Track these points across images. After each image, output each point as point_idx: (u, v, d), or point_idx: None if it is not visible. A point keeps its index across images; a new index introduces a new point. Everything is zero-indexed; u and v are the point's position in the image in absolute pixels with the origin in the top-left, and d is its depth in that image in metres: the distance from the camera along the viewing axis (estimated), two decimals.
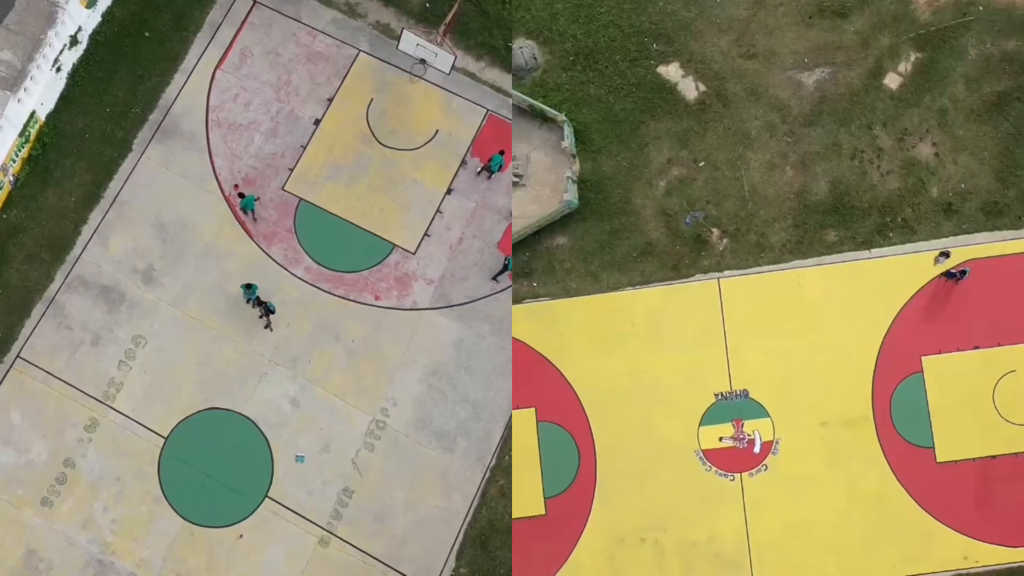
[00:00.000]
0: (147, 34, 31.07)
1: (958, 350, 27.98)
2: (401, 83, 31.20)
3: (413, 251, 29.94)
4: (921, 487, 27.33)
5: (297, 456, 28.06)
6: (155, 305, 29.02)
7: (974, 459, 27.41)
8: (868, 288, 28.50)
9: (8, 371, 28.37)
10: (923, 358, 27.96)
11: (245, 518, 27.56)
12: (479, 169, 30.51)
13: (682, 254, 29.21)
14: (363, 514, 27.72)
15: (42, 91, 29.43)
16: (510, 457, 28.13)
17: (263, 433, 28.16)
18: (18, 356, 28.48)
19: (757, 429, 27.97)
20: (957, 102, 29.72)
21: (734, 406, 28.14)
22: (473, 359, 29.03)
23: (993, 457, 27.40)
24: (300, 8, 31.62)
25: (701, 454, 27.95)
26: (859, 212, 29.10)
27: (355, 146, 30.66)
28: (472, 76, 31.21)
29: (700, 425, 28.06)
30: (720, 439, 27.96)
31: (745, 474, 27.77)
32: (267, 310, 28.17)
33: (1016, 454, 27.40)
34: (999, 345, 27.95)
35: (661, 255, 29.23)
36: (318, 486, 27.86)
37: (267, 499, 27.69)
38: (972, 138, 29.46)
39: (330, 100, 30.98)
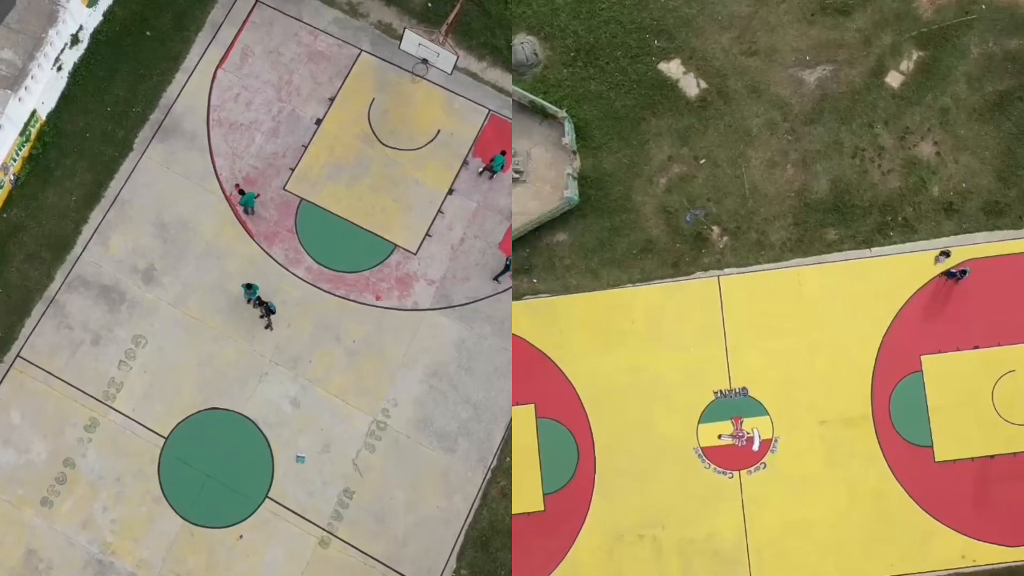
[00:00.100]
0: (148, 33, 31.04)
1: (958, 350, 27.99)
2: (403, 83, 31.16)
3: (414, 251, 29.89)
4: (920, 486, 27.35)
5: (297, 456, 28.00)
6: (155, 305, 28.97)
7: (972, 459, 27.43)
8: (868, 287, 28.50)
9: (8, 371, 28.32)
10: (923, 357, 27.97)
11: (245, 518, 27.51)
12: (481, 169, 30.46)
13: (682, 252, 29.18)
14: (364, 515, 27.66)
15: (43, 90, 29.40)
16: (511, 458, 28.07)
17: (263, 433, 28.11)
18: (18, 356, 28.44)
19: (756, 427, 27.98)
20: (959, 101, 29.69)
21: (733, 404, 28.14)
22: (474, 360, 28.97)
23: (991, 457, 27.42)
24: (302, 7, 31.58)
25: (700, 451, 27.97)
26: (860, 211, 29.07)
27: (356, 146, 30.62)
28: (474, 76, 31.17)
29: (699, 423, 28.08)
30: (719, 437, 27.97)
31: (744, 472, 27.78)
32: (268, 310, 28.12)
33: (1015, 454, 27.41)
34: (999, 345, 27.96)
35: (661, 252, 29.20)
36: (318, 487, 27.80)
37: (267, 499, 27.63)
38: (973, 137, 29.43)
39: (332, 100, 30.94)
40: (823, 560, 27.19)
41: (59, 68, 29.80)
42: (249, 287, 28.18)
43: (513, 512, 27.70)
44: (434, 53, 30.06)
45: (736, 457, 27.86)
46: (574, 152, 29.58)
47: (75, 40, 30.00)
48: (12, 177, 29.40)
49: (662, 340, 28.60)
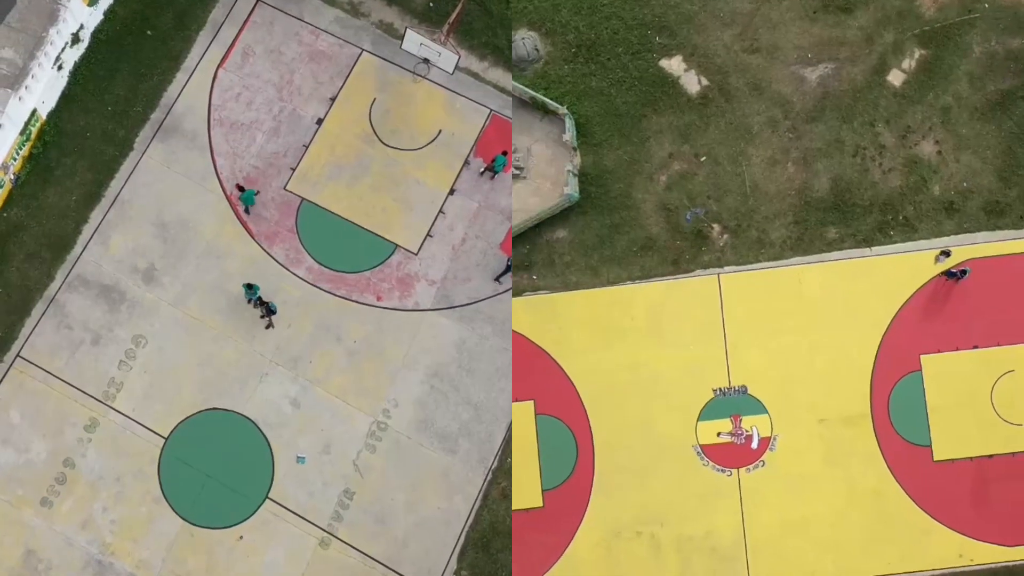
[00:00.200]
0: (149, 32, 30.99)
1: (957, 349, 28.00)
2: (404, 83, 31.10)
3: (415, 251, 29.83)
4: (918, 485, 27.37)
5: (298, 457, 27.95)
6: (156, 305, 28.92)
7: (971, 458, 27.46)
8: (868, 286, 28.49)
9: (8, 370, 28.26)
10: (922, 357, 27.97)
11: (245, 519, 27.45)
12: (482, 169, 30.40)
13: (682, 249, 29.15)
14: (364, 516, 27.60)
15: (43, 89, 29.35)
16: (511, 457, 28.01)
17: (264, 434, 28.05)
18: (18, 355, 28.38)
19: (755, 425, 27.98)
20: (961, 100, 29.65)
21: (732, 402, 28.13)
22: (475, 360, 28.91)
23: (990, 456, 27.43)
24: (303, 7, 31.54)
25: (699, 449, 27.97)
26: (860, 209, 29.04)
27: (357, 146, 30.56)
28: (475, 76, 31.11)
29: (698, 420, 28.10)
30: (718, 434, 27.99)
31: (742, 470, 27.79)
32: (268, 310, 28.06)
33: (1013, 454, 27.42)
34: (998, 345, 27.96)
35: (661, 250, 29.18)
36: (319, 487, 27.74)
37: (267, 500, 27.57)
38: (975, 137, 29.40)
39: (333, 99, 30.89)
40: (821, 558, 27.22)
41: (60, 67, 29.75)
42: (250, 287, 28.12)
43: (513, 508, 27.66)
44: (436, 53, 30.00)
45: (735, 455, 27.87)
46: (575, 149, 29.54)
47: (76, 39, 29.95)
48: (12, 176, 29.35)
49: (662, 337, 28.60)
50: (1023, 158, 29.17)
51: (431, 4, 31.52)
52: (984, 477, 27.33)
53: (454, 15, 30.64)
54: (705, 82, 30.22)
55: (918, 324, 28.19)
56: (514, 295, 29.16)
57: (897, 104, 29.74)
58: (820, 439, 27.78)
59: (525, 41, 30.51)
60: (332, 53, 31.27)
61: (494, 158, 29.69)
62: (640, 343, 28.59)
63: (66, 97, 30.24)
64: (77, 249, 29.27)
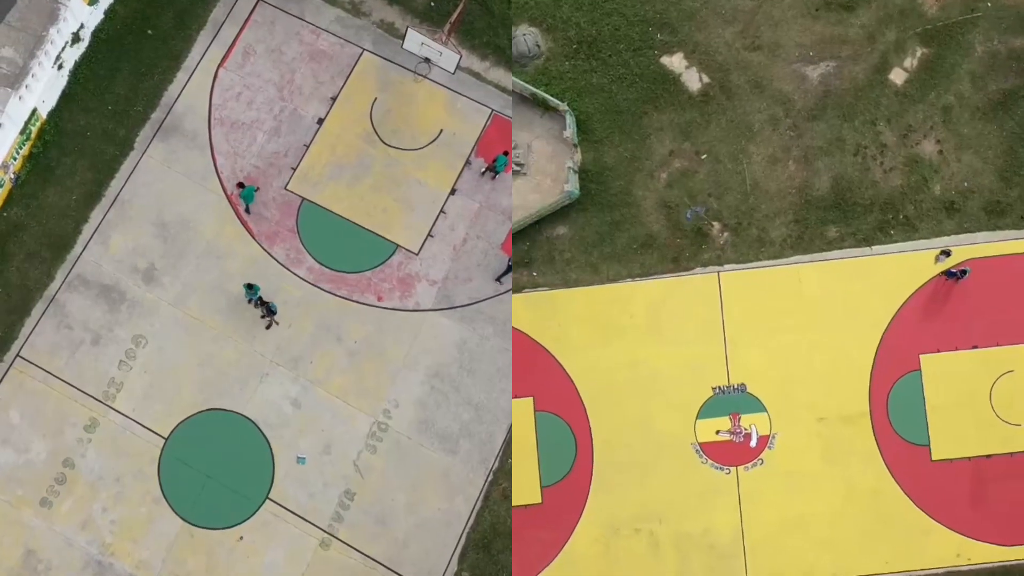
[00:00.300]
0: (150, 32, 30.95)
1: (956, 349, 27.99)
2: (405, 82, 31.05)
3: (416, 252, 29.77)
4: (916, 485, 27.38)
5: (298, 458, 27.89)
6: (156, 305, 28.86)
7: (969, 458, 27.46)
8: (868, 285, 28.47)
9: (8, 370, 28.21)
10: (921, 356, 27.96)
11: (245, 520, 27.39)
12: (483, 169, 30.35)
13: (682, 247, 29.11)
14: (364, 516, 27.54)
15: (44, 88, 29.30)
16: (511, 454, 27.99)
17: (264, 434, 27.99)
18: (18, 355, 28.33)
19: (754, 423, 27.97)
20: (962, 99, 29.60)
21: (731, 400, 28.12)
22: (476, 361, 28.85)
23: (988, 456, 27.42)
24: (304, 6, 31.49)
25: (697, 447, 27.97)
26: (861, 208, 29.00)
27: (358, 145, 30.51)
28: (477, 76, 31.06)
29: (697, 418, 28.10)
30: (717, 432, 27.98)
31: (741, 468, 27.79)
32: (269, 310, 28.00)
33: (1011, 454, 27.41)
34: (997, 345, 27.94)
35: (661, 247, 29.14)
36: (319, 488, 27.68)
37: (268, 501, 27.51)
38: (976, 136, 29.34)
39: (333, 99, 30.83)
40: (819, 556, 27.22)
41: (60, 66, 29.70)
42: (250, 287, 28.06)
43: (512, 504, 27.67)
44: (437, 52, 29.95)
45: (733, 453, 27.87)
46: (575, 145, 29.50)
47: (76, 38, 29.91)
48: (12, 176, 29.30)
49: (661, 335, 28.59)
50: None
51: (432, 3, 31.47)
52: (982, 477, 27.34)
53: (455, 15, 30.59)
54: (706, 79, 30.16)
55: (918, 324, 28.19)
56: (514, 291, 29.16)
57: (899, 103, 29.69)
58: (819, 438, 27.79)
59: (526, 37, 30.44)
60: (333, 52, 31.21)
61: (495, 158, 29.63)
62: (640, 341, 28.58)
63: (66, 96, 30.19)
64: (77, 249, 29.22)
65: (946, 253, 28.36)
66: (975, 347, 27.96)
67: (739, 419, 27.99)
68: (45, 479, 27.42)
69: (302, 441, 28.01)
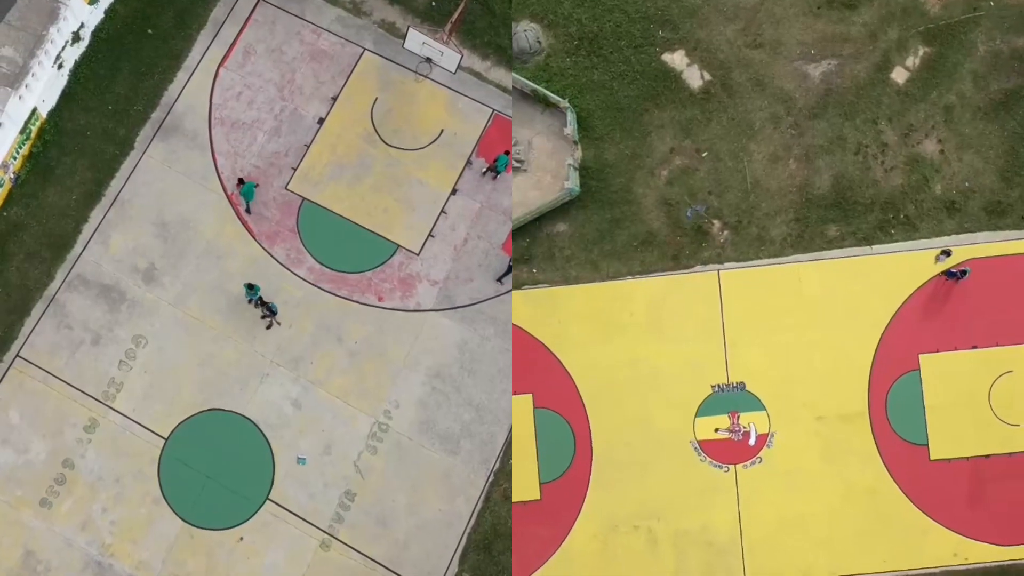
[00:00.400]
0: (150, 31, 30.89)
1: (956, 349, 27.97)
2: (406, 82, 30.99)
3: (417, 252, 29.71)
4: (914, 484, 27.38)
5: (298, 458, 27.82)
6: (156, 305, 28.80)
7: (967, 458, 27.44)
8: (868, 284, 28.44)
9: (7, 370, 28.15)
10: (920, 356, 27.94)
11: (246, 520, 27.32)
12: (484, 169, 30.29)
13: (682, 245, 29.08)
14: (365, 517, 27.47)
15: (44, 88, 29.25)
16: (511, 451, 27.97)
17: (264, 435, 27.93)
18: (17, 355, 28.27)
19: (752, 422, 27.96)
20: (964, 99, 29.55)
21: (730, 398, 28.12)
22: (477, 362, 28.79)
23: (986, 456, 27.41)
24: (304, 6, 31.44)
25: (696, 444, 27.97)
26: (861, 208, 28.97)
27: (359, 145, 30.45)
28: (478, 76, 31.00)
29: (696, 416, 28.09)
30: (716, 430, 27.97)
31: (739, 466, 27.79)
32: (269, 310, 27.94)
33: (1010, 454, 27.39)
34: (997, 345, 27.92)
35: (661, 245, 29.12)
36: (319, 489, 27.61)
37: (268, 501, 27.45)
38: (978, 136, 29.29)
39: (334, 99, 30.78)
40: (816, 554, 27.23)
41: (60, 66, 29.65)
42: (251, 287, 28.00)
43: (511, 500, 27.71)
44: (438, 52, 29.90)
45: (732, 451, 27.88)
46: (576, 142, 29.45)
47: (76, 38, 29.85)
48: (12, 175, 29.25)
49: (661, 333, 28.59)
50: None
51: (433, 3, 31.41)
52: (980, 477, 27.33)
53: (456, 14, 30.56)
54: (707, 77, 30.11)
55: (917, 323, 28.17)
56: (514, 288, 29.14)
57: (900, 102, 29.64)
58: (817, 436, 27.78)
59: (527, 33, 30.37)
60: (334, 52, 31.16)
61: (496, 158, 29.58)
62: (639, 338, 28.58)
63: (66, 96, 30.14)
64: (77, 248, 29.16)
65: (946, 253, 28.33)
66: (975, 347, 27.94)
67: (738, 417, 27.99)
68: (45, 479, 27.36)
69: (302, 442, 27.94)
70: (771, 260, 28.84)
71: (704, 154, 29.60)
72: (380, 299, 29.25)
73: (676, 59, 30.31)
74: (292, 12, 31.40)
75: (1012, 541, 27.03)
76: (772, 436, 27.86)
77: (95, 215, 29.44)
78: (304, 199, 29.91)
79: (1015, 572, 26.92)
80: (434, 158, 30.44)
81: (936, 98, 29.61)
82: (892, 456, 27.49)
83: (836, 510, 27.34)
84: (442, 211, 30.07)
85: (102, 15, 30.64)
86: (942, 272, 28.36)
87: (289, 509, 27.44)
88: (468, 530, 27.51)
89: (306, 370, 28.44)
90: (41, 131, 29.62)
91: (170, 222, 29.49)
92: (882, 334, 28.12)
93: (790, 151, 29.56)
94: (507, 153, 29.43)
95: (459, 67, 29.98)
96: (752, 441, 27.86)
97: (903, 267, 28.55)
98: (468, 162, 30.46)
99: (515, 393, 28.34)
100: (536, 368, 28.51)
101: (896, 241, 28.76)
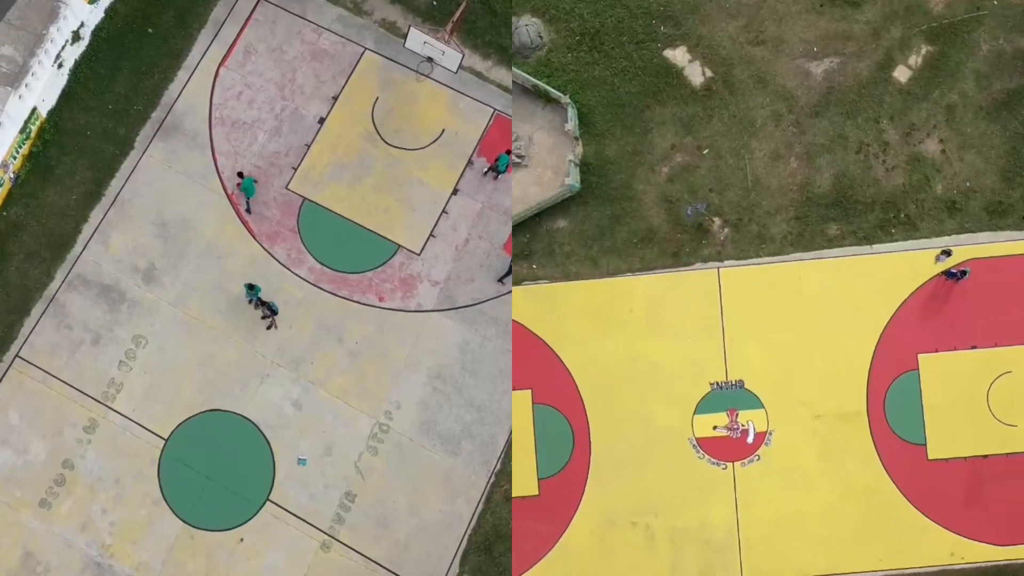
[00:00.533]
0: (150, 30, 30.84)
1: (955, 349, 27.93)
2: (407, 82, 30.93)
3: (418, 252, 29.64)
4: (912, 483, 27.37)
5: (299, 459, 27.76)
6: (156, 305, 28.74)
7: (965, 458, 27.43)
8: (867, 284, 28.40)
9: (7, 370, 28.10)
10: (920, 356, 27.90)
11: (246, 521, 27.26)
12: (485, 169, 30.22)
13: (683, 242, 29.04)
14: (365, 518, 27.40)
15: (43, 87, 29.20)
16: (511, 449, 27.96)
17: (264, 435, 27.86)
18: (17, 355, 28.21)
19: (751, 420, 27.94)
20: (966, 98, 29.47)
21: (729, 396, 28.10)
22: (478, 362, 28.72)
23: (984, 457, 27.39)
24: (305, 5, 31.38)
25: (694, 442, 27.96)
26: (862, 207, 28.91)
27: (360, 145, 30.38)
28: (479, 75, 30.93)
29: (695, 413, 28.08)
30: (714, 428, 27.96)
31: (737, 463, 27.79)
32: (270, 310, 27.87)
33: (1008, 454, 27.36)
34: (996, 346, 27.88)
35: (662, 242, 29.07)
36: (320, 489, 27.54)
37: (268, 502, 27.38)
38: (979, 136, 29.21)
39: (335, 98, 30.71)
40: (813, 552, 27.23)
41: (60, 65, 29.59)
42: (251, 287, 27.93)
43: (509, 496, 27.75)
44: (439, 51, 29.84)
45: (730, 449, 27.87)
46: (576, 138, 29.38)
47: (76, 37, 29.79)
48: (12, 175, 29.19)
49: (660, 330, 28.56)
50: None
51: (434, 2, 31.34)
52: (978, 477, 27.31)
53: (458, 13, 30.53)
54: (709, 73, 30.04)
55: (917, 323, 28.14)
56: (513, 284, 29.10)
57: (902, 101, 29.57)
58: (815, 435, 27.76)
59: (528, 28, 30.28)
60: (334, 51, 31.09)
61: (498, 157, 29.51)
62: (638, 335, 28.56)
63: (66, 95, 30.08)
64: (77, 248, 29.11)
65: (947, 253, 28.28)
66: (974, 347, 27.91)
67: (736, 415, 27.99)
68: (44, 480, 27.30)
69: (303, 442, 27.87)
70: (771, 258, 28.81)
71: (705, 151, 29.54)
72: (381, 299, 29.18)
73: (678, 55, 30.25)
74: (293, 11, 31.34)
75: (1009, 541, 27.03)
76: (770, 434, 27.85)
77: (95, 215, 29.39)
78: (305, 199, 29.85)
79: (1011, 572, 26.91)
80: (435, 158, 30.37)
81: (938, 97, 29.54)
82: (890, 455, 27.49)
83: (833, 508, 27.35)
84: (443, 211, 30.00)
85: (102, 14, 30.59)
86: (942, 272, 28.31)
87: (289, 510, 27.37)
88: (469, 531, 27.44)
89: (307, 371, 28.37)
90: (41, 130, 29.57)
91: (170, 222, 29.43)
92: (881, 333, 28.10)
93: (791, 149, 29.51)
94: (508, 153, 29.36)
95: (460, 66, 29.91)
96: (750, 439, 27.86)
97: (903, 267, 28.51)
98: (469, 162, 30.39)
99: (514, 389, 28.36)
100: (535, 364, 28.50)
101: (896, 240, 28.70)
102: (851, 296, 28.33)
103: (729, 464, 27.80)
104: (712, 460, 27.85)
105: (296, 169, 30.09)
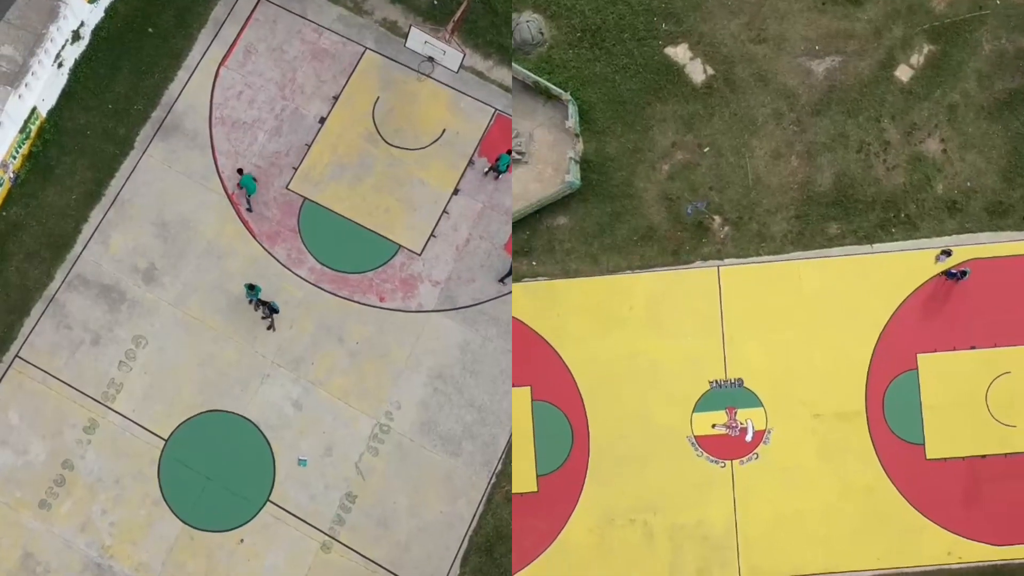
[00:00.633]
0: (150, 30, 30.79)
1: (954, 349, 27.94)
2: (408, 81, 30.88)
3: (419, 252, 29.60)
4: (910, 483, 27.39)
5: (299, 459, 27.72)
6: (156, 305, 28.69)
7: (963, 458, 27.45)
8: (867, 283, 28.40)
9: (7, 371, 28.05)
10: (919, 356, 27.90)
11: (246, 522, 27.21)
12: (486, 169, 30.18)
13: (683, 240, 29.01)
14: (366, 519, 27.36)
15: (43, 87, 29.15)
16: (510, 445, 27.96)
17: (265, 436, 27.82)
18: (17, 355, 28.16)
19: (750, 418, 27.96)
20: (968, 98, 29.43)
21: (728, 394, 28.12)
22: (479, 362, 28.68)
23: (983, 457, 27.41)
24: (306, 5, 31.33)
25: (693, 440, 27.98)
26: (862, 206, 28.89)
27: (360, 145, 30.34)
28: (480, 75, 30.89)
29: (694, 411, 28.09)
30: (713, 426, 27.98)
31: (736, 462, 27.81)
32: (271, 310, 27.83)
33: (1006, 455, 27.37)
34: (996, 346, 27.88)
35: (662, 240, 29.06)
36: (320, 490, 27.50)
37: (268, 503, 27.34)
38: (981, 136, 29.18)
39: (335, 98, 30.66)
40: (811, 551, 27.25)
41: (60, 65, 29.54)
42: (251, 287, 27.89)
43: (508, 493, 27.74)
44: (440, 51, 29.80)
45: (729, 447, 27.89)
46: (577, 135, 29.34)
47: (76, 36, 29.74)
48: (12, 175, 29.14)
49: (660, 328, 28.56)
50: None
51: (435, 2, 31.29)
52: (976, 477, 27.33)
53: (459, 13, 30.49)
54: (710, 71, 30.00)
55: (916, 323, 28.15)
56: (513, 281, 29.09)
57: (904, 100, 29.54)
58: (814, 434, 27.77)
59: (529, 24, 30.22)
60: (335, 51, 31.04)
61: (499, 157, 29.47)
62: (638, 333, 28.56)
63: (66, 95, 30.03)
64: (77, 248, 29.06)
65: (947, 253, 28.26)
66: (973, 348, 27.91)
67: (735, 413, 28.00)
68: (44, 481, 27.25)
69: (303, 443, 27.82)
70: (771, 257, 28.81)
71: (706, 149, 29.51)
72: (381, 299, 29.14)
73: (679, 53, 30.21)
74: (293, 11, 31.29)
75: (1006, 541, 27.06)
76: (769, 433, 27.87)
77: (95, 215, 29.34)
78: (305, 199, 29.80)
79: (1009, 572, 26.94)
80: (436, 158, 30.33)
81: (940, 97, 29.50)
82: (889, 455, 27.51)
83: (832, 507, 27.37)
84: (444, 211, 29.96)
85: (102, 14, 30.53)
86: (942, 272, 28.31)
87: (290, 511, 27.33)
88: (469, 532, 27.40)
89: (307, 371, 28.33)
90: (41, 130, 29.52)
91: (170, 222, 29.38)
92: (881, 333, 28.11)
93: (792, 148, 29.47)
94: (509, 152, 29.31)
95: (461, 66, 29.86)
96: (749, 437, 27.88)
97: (903, 266, 28.51)
98: (470, 162, 30.35)
99: (513, 385, 28.35)
100: (535, 361, 28.51)
101: (897, 240, 28.69)
102: (851, 295, 28.32)
103: (728, 462, 27.82)
104: (711, 458, 27.87)
105: (296, 169, 30.05)
